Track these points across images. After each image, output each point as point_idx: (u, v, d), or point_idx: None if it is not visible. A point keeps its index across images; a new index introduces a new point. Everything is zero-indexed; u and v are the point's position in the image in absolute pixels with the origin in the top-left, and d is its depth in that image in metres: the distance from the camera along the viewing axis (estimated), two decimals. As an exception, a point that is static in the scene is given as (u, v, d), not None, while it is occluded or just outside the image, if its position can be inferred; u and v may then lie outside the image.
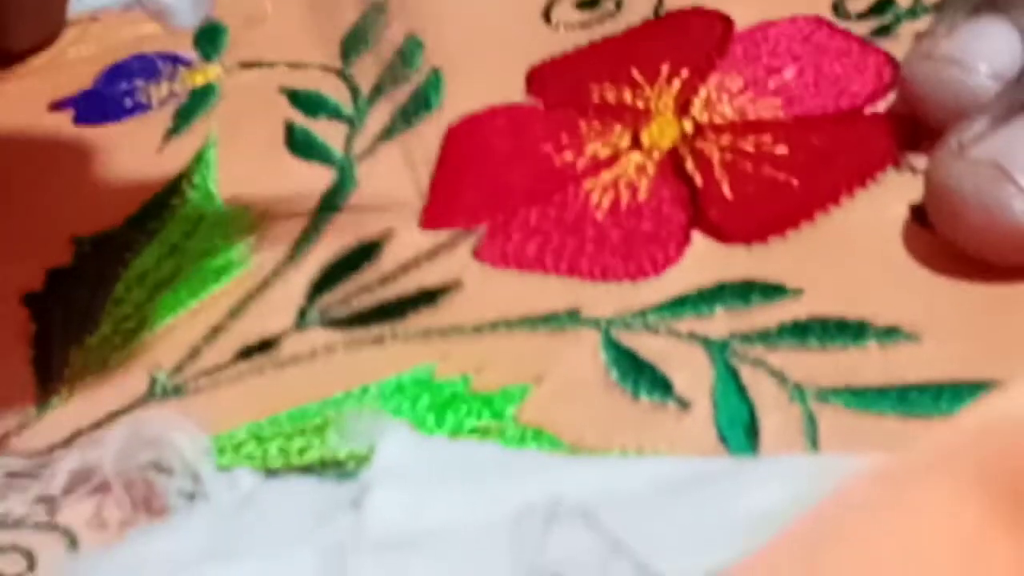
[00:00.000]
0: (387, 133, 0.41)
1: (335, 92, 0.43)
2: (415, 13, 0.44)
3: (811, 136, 0.37)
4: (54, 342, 0.36)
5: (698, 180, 0.36)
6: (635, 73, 0.40)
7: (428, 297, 0.35)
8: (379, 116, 0.41)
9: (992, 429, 0.18)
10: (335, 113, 0.42)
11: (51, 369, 0.36)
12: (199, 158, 0.41)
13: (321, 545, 0.28)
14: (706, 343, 0.32)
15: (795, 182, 0.35)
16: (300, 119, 0.42)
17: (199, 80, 0.45)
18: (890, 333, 0.31)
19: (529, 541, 0.25)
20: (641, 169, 0.37)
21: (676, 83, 0.39)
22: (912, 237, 0.33)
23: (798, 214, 0.34)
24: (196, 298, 0.37)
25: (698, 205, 0.35)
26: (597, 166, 0.37)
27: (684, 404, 0.31)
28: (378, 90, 0.42)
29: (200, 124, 0.43)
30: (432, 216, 0.37)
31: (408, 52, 0.43)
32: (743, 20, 0.41)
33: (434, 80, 0.42)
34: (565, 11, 0.44)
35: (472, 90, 0.41)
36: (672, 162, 0.37)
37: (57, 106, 0.45)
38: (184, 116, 0.43)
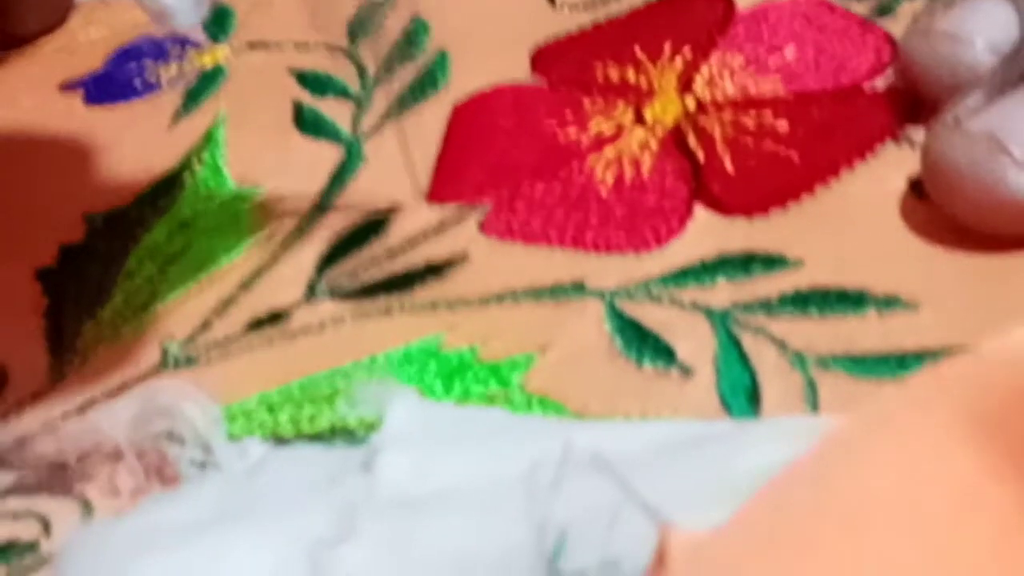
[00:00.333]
0: (394, 111, 0.41)
1: (342, 72, 0.43)
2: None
3: (811, 111, 0.37)
4: (67, 315, 0.37)
5: (700, 155, 0.37)
6: (638, 52, 0.41)
7: (435, 270, 0.36)
8: (386, 95, 0.42)
9: (988, 371, 0.18)
10: (342, 92, 0.43)
11: (64, 341, 0.36)
12: (208, 137, 0.42)
13: (332, 506, 0.28)
14: (708, 312, 0.33)
15: (796, 156, 0.36)
16: (308, 99, 0.43)
17: (208, 61, 0.45)
18: (889, 302, 0.32)
19: (537, 497, 0.26)
20: (644, 145, 0.38)
21: (679, 61, 0.40)
22: (910, 209, 0.34)
23: (799, 187, 0.35)
24: (206, 272, 0.37)
25: (700, 179, 0.36)
26: (601, 142, 0.38)
27: (687, 371, 0.31)
28: (385, 70, 0.43)
29: (209, 104, 0.44)
30: (439, 191, 0.38)
31: (414, 33, 0.44)
32: (745, 0, 0.42)
33: (440, 60, 0.43)
34: (569, -8, 0.44)
35: (478, 70, 0.42)
36: (675, 138, 0.38)
37: (68, 87, 0.46)
38: (193, 96, 0.44)
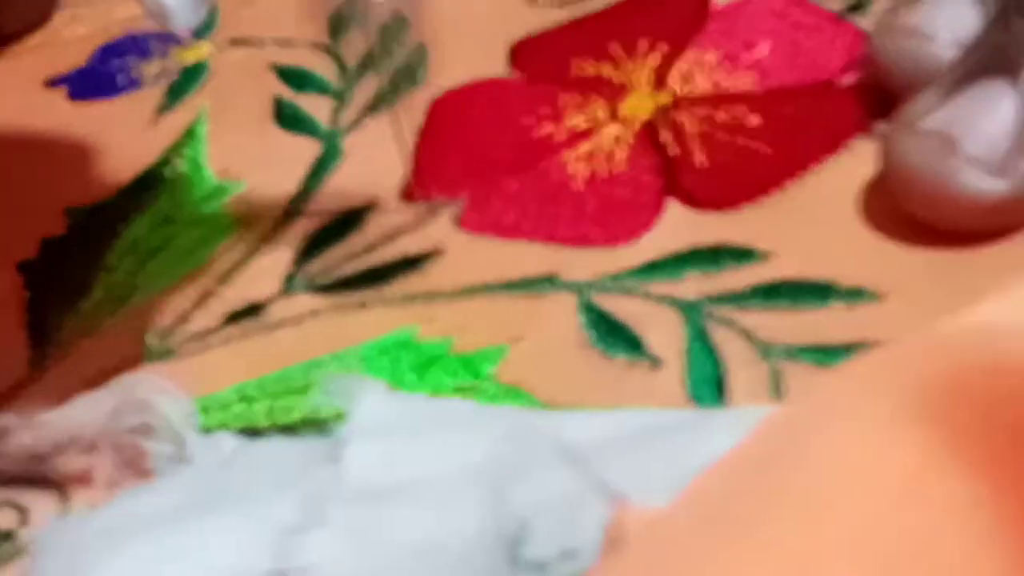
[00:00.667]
0: (373, 107, 0.42)
1: (323, 68, 0.44)
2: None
3: (783, 107, 0.38)
4: (48, 308, 0.37)
5: (673, 150, 0.37)
6: (614, 48, 0.41)
7: (411, 263, 0.36)
8: (365, 90, 0.42)
9: (932, 358, 0.19)
10: (322, 88, 0.43)
11: (45, 333, 0.37)
12: (190, 133, 0.42)
13: (300, 495, 0.28)
14: (679, 305, 0.33)
15: (767, 151, 0.36)
16: (288, 94, 0.43)
17: (190, 58, 0.46)
18: (855, 294, 0.32)
19: (500, 487, 0.26)
20: (618, 140, 0.38)
21: (654, 58, 0.40)
22: (876, 203, 0.34)
23: (769, 181, 0.36)
24: (186, 266, 0.38)
25: (673, 174, 0.36)
26: (576, 137, 0.38)
27: (656, 362, 0.32)
28: (365, 65, 0.43)
29: (191, 100, 0.44)
30: (416, 186, 0.38)
31: (394, 28, 0.44)
32: (720, -3, 0.42)
33: (420, 55, 0.43)
34: (548, -11, 0.45)
35: (457, 65, 0.42)
36: (648, 133, 0.38)
37: (52, 83, 0.46)
38: (175, 92, 0.44)
